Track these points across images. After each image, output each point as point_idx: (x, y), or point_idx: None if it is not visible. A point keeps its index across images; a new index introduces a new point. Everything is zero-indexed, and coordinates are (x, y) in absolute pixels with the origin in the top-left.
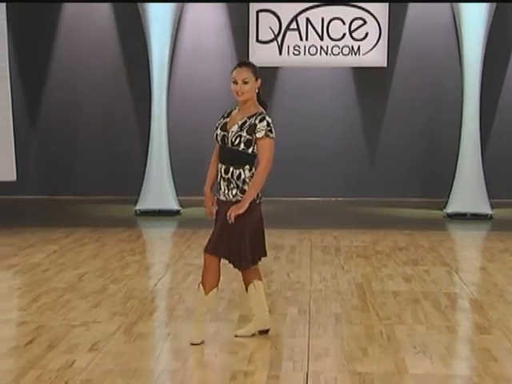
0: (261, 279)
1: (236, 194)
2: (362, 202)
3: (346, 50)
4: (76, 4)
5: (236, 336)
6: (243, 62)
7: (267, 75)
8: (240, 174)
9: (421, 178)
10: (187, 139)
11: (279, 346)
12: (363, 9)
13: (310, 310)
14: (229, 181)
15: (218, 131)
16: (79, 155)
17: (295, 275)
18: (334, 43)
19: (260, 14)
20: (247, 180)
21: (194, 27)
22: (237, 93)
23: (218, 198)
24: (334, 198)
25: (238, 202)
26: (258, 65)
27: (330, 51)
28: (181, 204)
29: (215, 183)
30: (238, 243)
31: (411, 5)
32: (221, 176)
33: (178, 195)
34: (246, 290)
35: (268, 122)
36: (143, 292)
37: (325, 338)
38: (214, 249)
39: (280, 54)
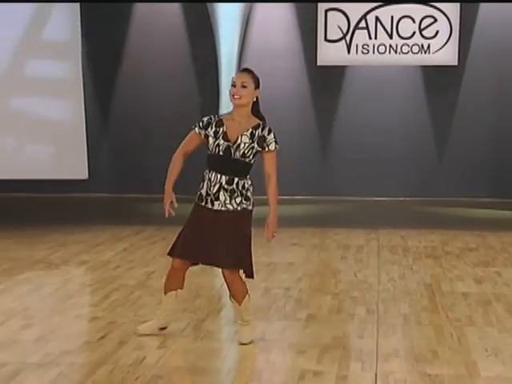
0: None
1: (241, 201)
2: (431, 202)
3: (415, 49)
4: (147, 4)
5: (136, 333)
6: (246, 68)
7: (335, 74)
8: (244, 183)
9: (491, 178)
10: None
11: (347, 346)
12: (434, 7)
13: (378, 310)
14: (232, 191)
15: (221, 141)
16: (149, 154)
17: (363, 275)
18: (403, 41)
19: (328, 12)
20: (249, 187)
21: (262, 27)
22: (233, 95)
23: (209, 208)
24: (402, 198)
25: (243, 209)
26: (327, 64)
27: (399, 49)
28: None
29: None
30: (250, 253)
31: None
32: (220, 186)
33: None
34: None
35: (274, 134)
36: (210, 290)
37: (393, 339)
38: (236, 264)
39: (348, 52)
